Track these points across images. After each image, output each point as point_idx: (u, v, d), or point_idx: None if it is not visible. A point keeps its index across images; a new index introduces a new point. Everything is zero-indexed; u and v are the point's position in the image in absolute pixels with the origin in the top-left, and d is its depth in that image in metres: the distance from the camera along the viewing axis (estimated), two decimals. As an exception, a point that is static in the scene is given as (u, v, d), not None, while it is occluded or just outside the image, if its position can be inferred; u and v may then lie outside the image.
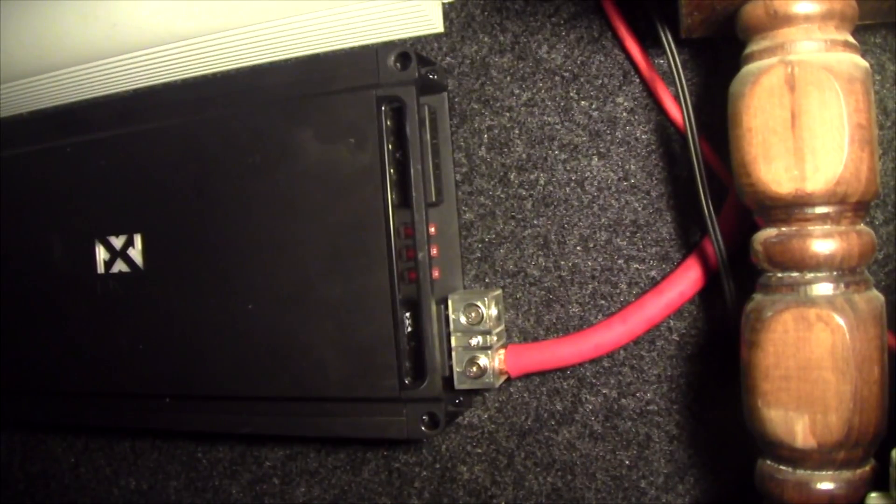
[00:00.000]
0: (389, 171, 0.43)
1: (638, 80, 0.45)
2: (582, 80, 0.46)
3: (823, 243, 0.32)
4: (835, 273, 0.32)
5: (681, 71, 0.40)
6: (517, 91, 0.47)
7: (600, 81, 0.46)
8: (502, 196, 0.48)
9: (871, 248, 0.32)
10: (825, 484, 0.32)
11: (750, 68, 0.33)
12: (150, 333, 0.49)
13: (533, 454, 0.48)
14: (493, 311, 0.44)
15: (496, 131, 0.48)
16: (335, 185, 0.44)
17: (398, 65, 0.43)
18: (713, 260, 0.42)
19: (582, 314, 0.47)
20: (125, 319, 0.50)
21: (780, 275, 0.33)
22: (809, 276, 0.32)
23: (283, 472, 0.55)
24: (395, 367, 0.43)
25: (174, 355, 0.49)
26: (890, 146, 0.41)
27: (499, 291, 0.46)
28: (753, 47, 0.34)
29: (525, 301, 0.48)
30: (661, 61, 0.45)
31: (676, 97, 0.41)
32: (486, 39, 0.48)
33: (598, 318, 0.46)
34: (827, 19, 0.32)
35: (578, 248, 0.47)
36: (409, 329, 0.44)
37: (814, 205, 0.32)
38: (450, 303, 0.44)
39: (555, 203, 0.47)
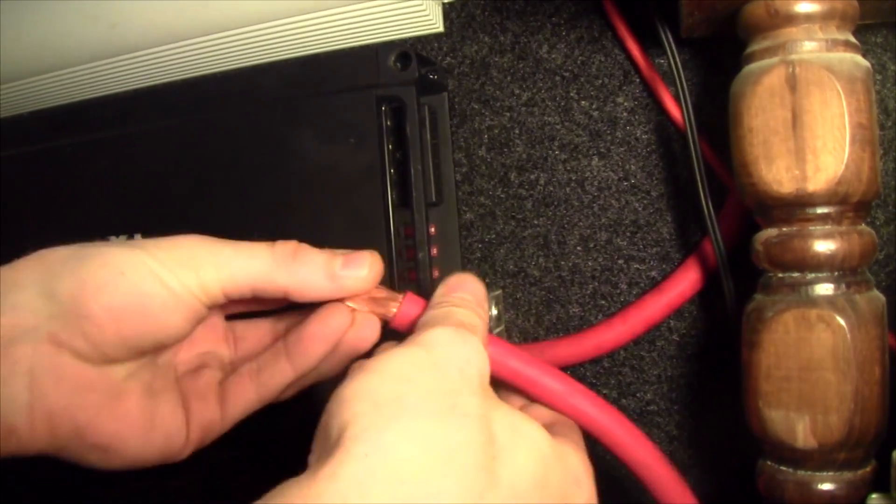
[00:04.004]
0: (389, 170, 0.43)
1: (638, 80, 0.45)
2: (582, 79, 0.46)
3: (824, 243, 0.32)
4: (836, 273, 0.32)
5: (681, 71, 0.40)
6: (517, 91, 0.47)
7: (600, 81, 0.46)
8: (502, 196, 0.48)
9: (873, 249, 0.32)
10: (826, 485, 0.32)
11: (751, 68, 0.33)
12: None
13: (533, 454, 0.48)
14: (494, 312, 0.44)
15: (496, 131, 0.48)
16: (335, 185, 0.44)
17: (398, 65, 0.43)
18: (713, 260, 0.41)
19: (582, 314, 0.47)
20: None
21: (780, 275, 0.33)
22: (810, 276, 0.32)
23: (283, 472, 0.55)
24: (395, 367, 0.43)
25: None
26: (891, 146, 0.41)
27: (499, 292, 0.46)
28: (754, 47, 0.33)
29: (525, 301, 0.47)
30: (662, 61, 0.45)
31: (676, 97, 0.41)
32: (486, 39, 0.48)
33: (599, 318, 0.46)
34: (828, 19, 0.32)
35: (579, 248, 0.47)
36: (410, 329, 0.44)
37: (815, 205, 0.32)
38: (450, 303, 0.44)
39: (555, 203, 0.47)
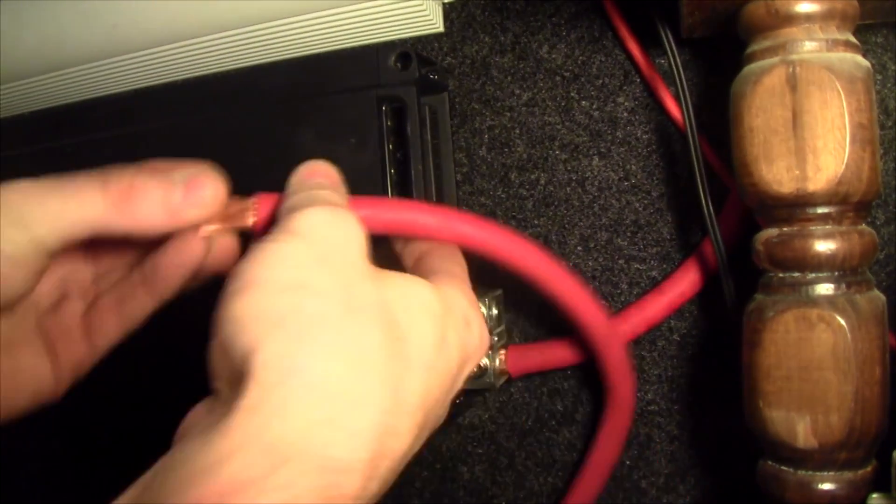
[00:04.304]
0: (390, 171, 0.43)
1: (639, 80, 0.45)
2: (583, 79, 0.46)
3: (825, 243, 0.32)
4: (836, 273, 0.32)
5: (681, 71, 0.40)
6: (518, 91, 0.47)
7: (601, 81, 0.46)
8: (503, 196, 0.48)
9: (873, 249, 0.32)
10: (826, 484, 0.32)
11: (751, 68, 0.33)
12: (151, 333, 0.49)
13: (534, 454, 0.48)
14: (494, 311, 0.44)
15: (497, 131, 0.48)
16: (336, 185, 0.44)
17: (399, 65, 0.43)
18: (714, 260, 0.41)
19: (583, 314, 0.47)
20: (125, 320, 0.50)
21: (781, 275, 0.33)
22: (811, 276, 0.32)
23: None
24: (395, 367, 0.43)
25: (175, 355, 0.49)
26: (891, 146, 0.41)
27: (499, 291, 0.46)
28: (755, 47, 0.33)
29: (526, 301, 0.47)
30: (662, 61, 0.45)
31: (677, 97, 0.41)
32: (486, 39, 0.48)
33: (599, 318, 0.46)
34: (828, 19, 0.32)
35: (579, 248, 0.47)
36: (410, 329, 0.44)
37: (815, 205, 0.32)
38: (450, 303, 0.44)
39: (555, 203, 0.47)
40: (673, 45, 0.40)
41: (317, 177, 0.31)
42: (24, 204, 0.28)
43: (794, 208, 0.32)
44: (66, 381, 0.33)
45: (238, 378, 0.23)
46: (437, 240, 0.33)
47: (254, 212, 0.31)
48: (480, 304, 0.43)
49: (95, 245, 0.33)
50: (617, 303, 0.46)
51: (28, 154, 0.53)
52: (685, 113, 0.40)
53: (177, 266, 0.32)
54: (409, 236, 0.34)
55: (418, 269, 0.32)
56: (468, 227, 0.33)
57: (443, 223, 0.33)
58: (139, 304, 0.33)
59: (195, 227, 0.31)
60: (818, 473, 0.32)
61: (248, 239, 0.31)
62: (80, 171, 0.30)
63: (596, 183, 0.46)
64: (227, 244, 0.32)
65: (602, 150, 0.46)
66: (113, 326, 0.33)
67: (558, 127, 0.47)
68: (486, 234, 0.34)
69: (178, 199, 0.30)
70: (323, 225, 0.27)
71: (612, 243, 0.46)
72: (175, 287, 0.33)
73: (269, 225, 0.30)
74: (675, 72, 0.40)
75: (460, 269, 0.32)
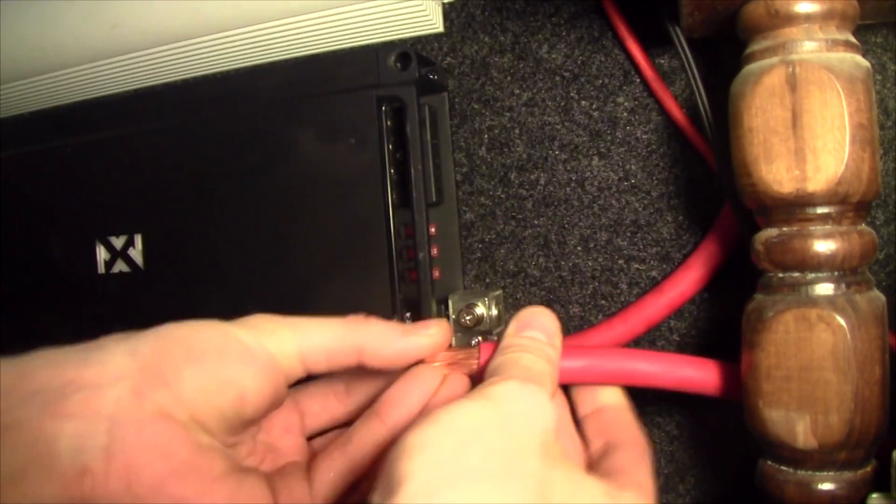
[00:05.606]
0: (390, 171, 0.43)
1: (638, 80, 0.45)
2: (582, 80, 0.46)
3: (825, 243, 0.32)
4: (836, 273, 0.32)
5: (693, 65, 0.39)
6: (517, 91, 0.47)
7: (601, 81, 0.46)
8: (503, 196, 0.48)
9: (873, 249, 0.32)
10: (826, 484, 0.32)
11: (751, 68, 0.33)
12: (150, 334, 0.49)
13: (533, 454, 0.48)
14: (494, 312, 0.44)
15: (496, 131, 0.48)
16: (335, 186, 0.44)
17: (398, 65, 0.43)
18: (715, 259, 0.41)
19: (582, 314, 0.47)
20: (126, 319, 0.50)
21: (781, 275, 0.33)
22: (811, 276, 0.32)
23: (283, 472, 0.55)
24: (395, 367, 0.43)
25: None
26: (891, 146, 0.41)
27: (499, 292, 0.46)
28: (754, 47, 0.33)
29: (525, 301, 0.47)
30: (662, 61, 0.45)
31: (688, 89, 0.40)
32: (486, 39, 0.48)
33: (599, 318, 0.46)
34: (828, 19, 0.32)
35: (579, 248, 0.47)
36: (410, 329, 0.44)
37: (815, 205, 0.32)
38: (450, 303, 0.44)
39: (555, 203, 0.47)
40: (684, 43, 0.39)
41: (531, 329, 0.34)
42: (273, 319, 0.33)
43: (793, 208, 0.32)
44: None
45: (388, 497, 0.25)
46: (657, 387, 0.37)
47: (477, 358, 0.35)
48: (480, 304, 0.43)
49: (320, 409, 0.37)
50: (616, 303, 0.46)
51: (28, 154, 0.53)
52: (698, 96, 0.39)
53: (413, 394, 0.34)
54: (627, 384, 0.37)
55: (605, 459, 0.34)
56: (690, 369, 0.36)
57: (666, 370, 0.36)
58: (371, 438, 0.35)
59: (427, 365, 0.35)
60: (818, 473, 0.32)
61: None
62: None
63: (596, 183, 0.46)
64: (458, 386, 0.35)
65: (602, 150, 0.46)
66: (340, 467, 0.35)
67: (558, 127, 0.47)
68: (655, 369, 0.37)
69: (405, 326, 0.34)
70: (514, 394, 0.29)
71: (612, 243, 0.46)
72: (409, 418, 0.34)
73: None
74: (687, 64, 0.39)
75: (646, 476, 0.33)
